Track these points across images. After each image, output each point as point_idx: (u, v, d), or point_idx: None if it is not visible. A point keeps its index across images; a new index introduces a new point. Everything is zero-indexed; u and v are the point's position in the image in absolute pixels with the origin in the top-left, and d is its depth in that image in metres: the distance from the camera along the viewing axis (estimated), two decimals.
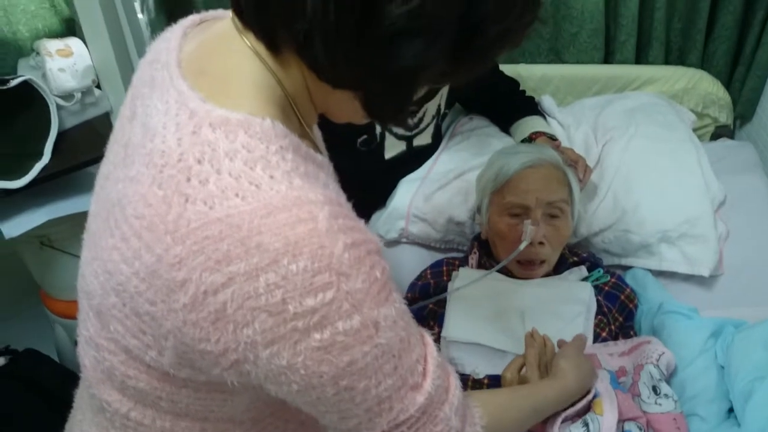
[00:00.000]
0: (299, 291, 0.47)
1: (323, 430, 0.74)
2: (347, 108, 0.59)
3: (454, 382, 0.62)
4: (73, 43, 1.43)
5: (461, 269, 1.20)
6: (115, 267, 0.53)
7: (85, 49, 1.43)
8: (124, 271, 0.52)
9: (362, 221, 0.53)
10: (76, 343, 1.55)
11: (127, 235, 0.51)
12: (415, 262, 1.32)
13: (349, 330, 0.49)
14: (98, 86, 1.46)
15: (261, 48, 0.54)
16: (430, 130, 1.45)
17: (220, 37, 0.57)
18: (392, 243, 1.37)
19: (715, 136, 1.68)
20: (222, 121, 0.49)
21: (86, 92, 1.41)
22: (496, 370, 0.93)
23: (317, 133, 0.73)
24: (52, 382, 1.38)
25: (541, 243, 1.10)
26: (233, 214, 0.47)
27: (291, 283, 0.47)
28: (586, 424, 0.86)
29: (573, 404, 0.88)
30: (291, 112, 0.56)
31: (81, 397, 0.72)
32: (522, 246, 1.05)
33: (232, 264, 0.47)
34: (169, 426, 0.61)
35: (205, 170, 0.48)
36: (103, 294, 0.55)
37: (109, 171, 0.59)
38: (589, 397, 0.89)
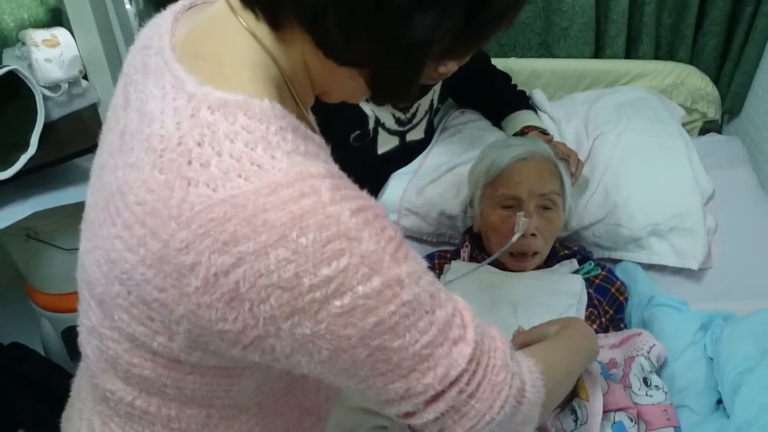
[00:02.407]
0: (312, 262, 0.46)
1: (323, 417, 0.74)
2: (348, 86, 0.58)
3: (497, 331, 0.60)
4: (60, 33, 1.40)
5: (453, 262, 1.20)
6: (118, 256, 0.52)
7: (72, 39, 1.41)
8: (129, 259, 0.51)
9: (365, 191, 0.52)
10: (62, 336, 1.53)
11: (130, 223, 0.51)
12: None
13: (371, 293, 0.48)
14: (85, 77, 1.44)
15: (259, 27, 0.53)
16: (423, 125, 1.45)
17: (213, 19, 0.56)
18: None
19: (703, 131, 1.70)
20: (220, 104, 0.49)
21: (73, 83, 1.39)
22: None
23: (313, 119, 0.72)
24: (38, 376, 1.36)
25: (533, 235, 1.11)
26: (237, 194, 0.46)
27: (302, 257, 0.46)
28: (574, 411, 0.86)
29: None
30: (287, 92, 0.56)
31: (80, 386, 0.71)
32: (515, 238, 1.06)
33: (240, 244, 0.46)
34: (175, 414, 0.60)
35: (205, 153, 0.48)
36: (106, 283, 0.55)
37: (105, 160, 0.58)
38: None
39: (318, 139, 0.55)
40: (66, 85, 1.37)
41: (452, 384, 0.54)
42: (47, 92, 1.34)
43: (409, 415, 0.56)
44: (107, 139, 0.59)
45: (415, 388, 0.54)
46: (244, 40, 0.53)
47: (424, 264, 0.54)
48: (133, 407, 0.60)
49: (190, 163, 0.48)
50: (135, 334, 0.55)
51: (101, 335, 0.58)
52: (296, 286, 0.47)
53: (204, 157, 0.48)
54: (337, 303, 0.48)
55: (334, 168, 0.53)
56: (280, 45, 0.54)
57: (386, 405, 0.56)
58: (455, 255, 1.25)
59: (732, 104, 1.67)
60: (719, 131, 1.72)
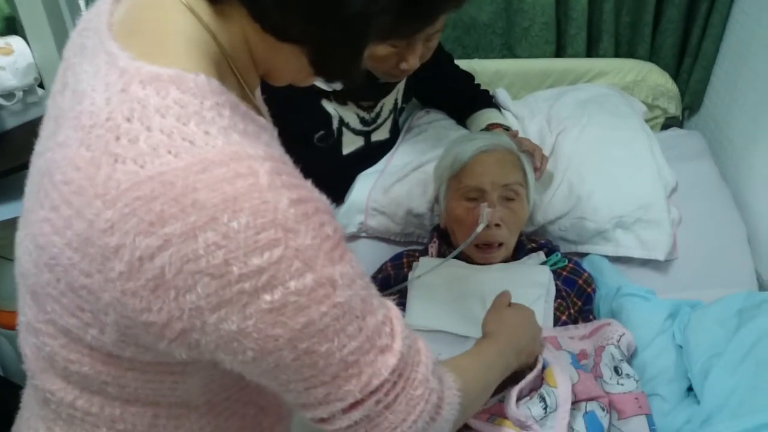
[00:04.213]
0: (243, 250, 0.44)
1: (285, 416, 0.72)
2: (292, 65, 0.57)
3: (424, 344, 0.60)
4: (14, 41, 1.38)
5: (421, 258, 1.19)
6: (46, 240, 0.49)
7: (27, 47, 1.39)
8: (57, 243, 0.48)
9: (309, 181, 0.51)
10: (20, 355, 1.47)
11: (57, 204, 0.48)
12: (375, 256, 1.31)
13: (303, 289, 0.46)
14: (41, 85, 1.41)
15: (197, 2, 0.52)
16: (388, 125, 1.44)
17: None
18: (352, 238, 1.36)
19: (664, 128, 1.72)
20: (152, 78, 0.47)
21: (28, 91, 1.37)
22: None
23: (264, 108, 0.70)
24: None
25: (497, 225, 1.10)
26: (166, 171, 0.44)
27: (233, 242, 0.44)
28: (543, 399, 0.85)
29: (524, 375, 0.87)
30: (228, 71, 0.54)
31: (27, 394, 0.68)
32: (479, 228, 1.05)
33: (167, 225, 0.44)
34: (119, 413, 0.57)
35: (134, 128, 0.45)
36: (36, 272, 0.52)
37: (42, 147, 0.56)
38: (539, 367, 0.88)
39: (262, 121, 0.53)
40: (21, 93, 1.35)
41: (372, 393, 0.53)
42: (1, 101, 1.31)
43: (323, 420, 0.55)
44: (45, 126, 0.57)
45: (335, 395, 0.52)
46: (182, 15, 0.51)
47: (360, 267, 0.53)
48: (74, 408, 0.57)
49: (118, 138, 0.45)
50: (68, 326, 0.52)
51: (37, 330, 0.55)
52: (225, 274, 0.44)
53: (133, 133, 0.45)
54: (267, 297, 0.46)
55: (277, 152, 0.51)
56: (219, 20, 0.52)
57: (302, 408, 0.55)
58: (424, 253, 1.24)
59: (691, 100, 1.70)
60: (680, 127, 1.75)
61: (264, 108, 0.71)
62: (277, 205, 0.45)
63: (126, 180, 0.45)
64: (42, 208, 0.50)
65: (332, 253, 0.49)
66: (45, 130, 0.57)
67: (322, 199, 0.50)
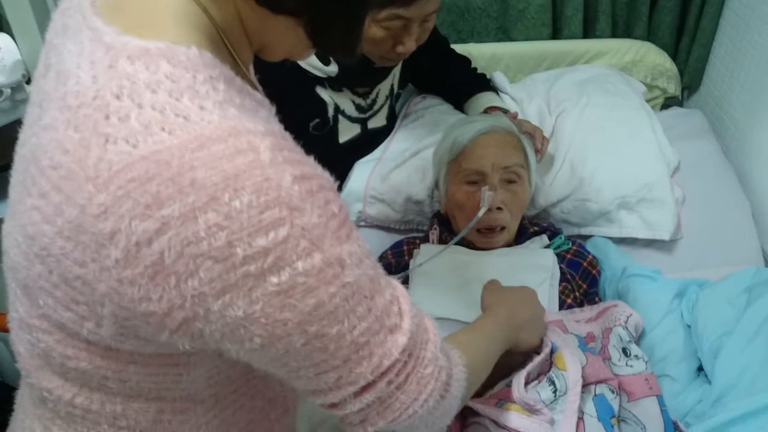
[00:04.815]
0: (247, 230, 0.42)
1: (290, 408, 0.70)
2: (287, 39, 0.55)
3: (431, 322, 0.59)
4: (0, 38, 1.35)
5: (422, 246, 1.17)
6: (36, 229, 0.47)
7: (14, 44, 1.36)
8: (47, 232, 0.46)
9: (311, 158, 0.49)
10: (13, 357, 1.46)
11: (45, 190, 0.46)
12: (375, 245, 1.28)
13: (311, 270, 0.45)
14: (29, 82, 1.39)
15: None
16: (384, 111, 1.42)
17: None
18: None
19: (664, 107, 1.70)
20: (141, 52, 0.44)
21: (16, 88, 1.34)
22: None
23: (259, 87, 0.68)
24: None
25: (499, 208, 1.08)
26: (160, 150, 0.42)
27: (236, 222, 0.42)
28: (552, 382, 0.84)
29: (531, 359, 0.85)
30: (221, 44, 0.52)
31: (21, 394, 0.65)
32: (481, 212, 1.03)
33: (164, 207, 0.41)
34: (121, 410, 0.55)
35: (125, 106, 0.43)
36: (27, 264, 0.50)
37: (26, 134, 0.54)
38: (547, 350, 0.87)
39: (259, 96, 0.51)
40: (8, 91, 1.32)
41: (383, 374, 0.52)
42: None
43: (334, 406, 0.53)
44: (29, 113, 0.55)
45: (347, 378, 0.51)
46: None
47: (366, 246, 0.51)
48: (73, 406, 0.55)
49: (107, 117, 0.43)
50: (63, 320, 0.50)
51: (30, 326, 0.53)
52: (229, 257, 0.42)
53: (123, 111, 0.43)
54: (274, 280, 0.44)
55: (276, 127, 0.48)
56: None
57: (312, 395, 0.53)
58: (424, 240, 1.22)
59: (691, 79, 1.68)
60: (680, 106, 1.72)
61: (259, 87, 0.69)
62: (280, 182, 0.43)
63: (118, 161, 0.42)
64: (30, 196, 0.48)
65: (339, 231, 0.47)
66: (29, 118, 0.55)
67: (325, 176, 0.48)
